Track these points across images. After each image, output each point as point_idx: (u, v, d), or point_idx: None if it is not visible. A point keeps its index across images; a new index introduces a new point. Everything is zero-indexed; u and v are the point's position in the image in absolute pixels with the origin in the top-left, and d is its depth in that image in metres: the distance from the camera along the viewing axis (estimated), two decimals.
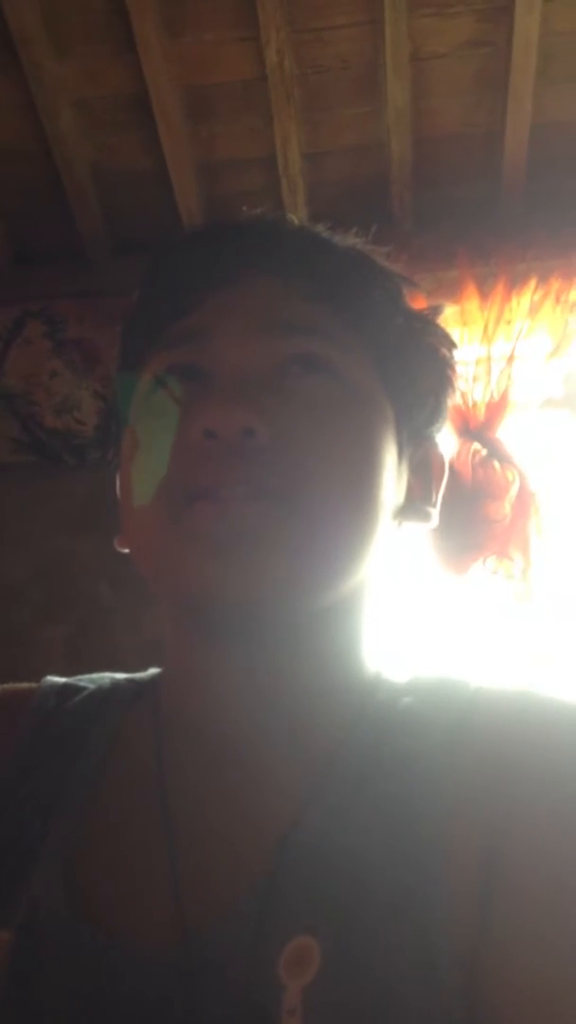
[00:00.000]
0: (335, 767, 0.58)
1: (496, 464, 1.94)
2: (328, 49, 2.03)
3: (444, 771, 0.56)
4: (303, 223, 0.67)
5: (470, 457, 1.95)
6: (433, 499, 0.68)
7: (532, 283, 2.10)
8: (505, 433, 2.01)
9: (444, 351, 0.69)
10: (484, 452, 1.95)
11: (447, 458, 0.70)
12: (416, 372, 0.67)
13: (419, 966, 0.49)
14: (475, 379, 2.03)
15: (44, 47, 1.99)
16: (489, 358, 2.07)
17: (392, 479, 0.63)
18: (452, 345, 0.70)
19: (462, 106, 2.13)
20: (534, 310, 2.10)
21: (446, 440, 1.97)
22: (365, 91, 2.10)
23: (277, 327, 0.61)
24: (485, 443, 1.96)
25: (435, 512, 0.68)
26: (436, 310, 0.70)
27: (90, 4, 1.96)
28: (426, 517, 0.68)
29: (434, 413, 0.69)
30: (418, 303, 0.69)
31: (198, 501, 0.56)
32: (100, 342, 2.29)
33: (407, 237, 2.16)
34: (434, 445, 0.69)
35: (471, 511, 1.90)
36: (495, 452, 1.96)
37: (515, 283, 2.12)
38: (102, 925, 0.54)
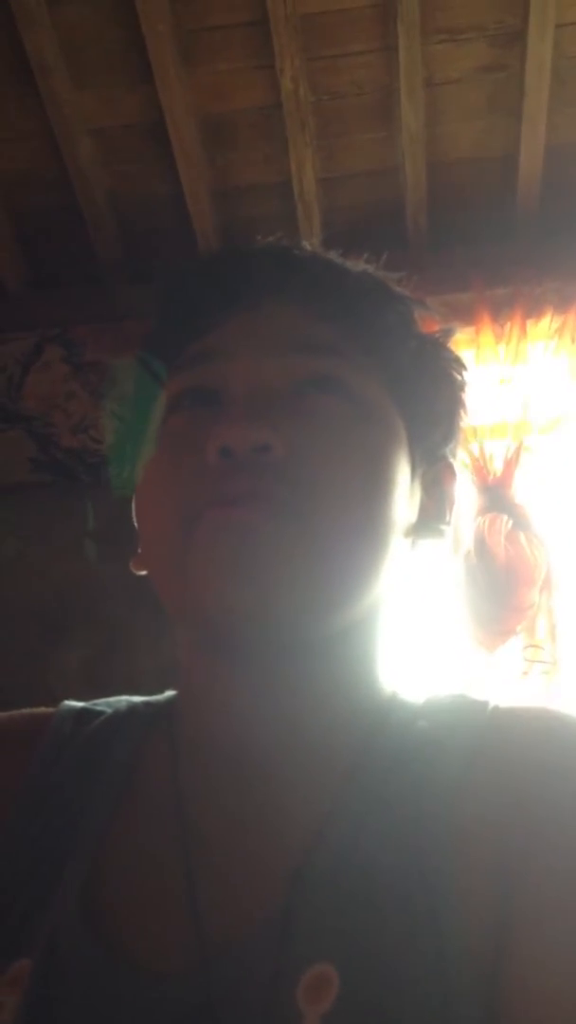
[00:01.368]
0: (350, 792, 0.58)
1: (523, 537, 1.96)
2: (342, 76, 2.05)
3: (459, 795, 0.56)
4: (317, 249, 0.68)
5: (498, 531, 1.97)
6: (446, 517, 0.68)
7: (549, 311, 2.11)
8: (522, 481, 2.03)
9: (456, 373, 0.69)
10: (510, 523, 1.97)
11: (459, 480, 0.71)
12: (429, 393, 0.67)
13: (437, 992, 0.49)
14: (493, 430, 2.05)
15: (62, 77, 2.02)
16: (504, 383, 2.08)
17: (405, 497, 0.63)
18: (463, 367, 0.70)
19: (476, 130, 2.15)
20: (552, 336, 2.10)
21: (466, 494, 2.00)
22: (379, 117, 2.12)
23: (292, 348, 0.62)
24: (507, 509, 1.98)
25: (448, 530, 0.68)
26: (448, 333, 0.71)
27: (107, 35, 1.99)
28: (439, 535, 0.68)
29: (447, 434, 0.69)
30: (430, 326, 0.70)
31: (208, 509, 0.57)
32: (117, 365, 2.31)
33: (422, 261, 2.17)
34: (447, 464, 0.69)
35: (503, 595, 1.92)
36: (520, 522, 1.97)
37: (532, 308, 2.12)
38: (121, 951, 0.54)
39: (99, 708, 0.70)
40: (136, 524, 0.66)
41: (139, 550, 0.66)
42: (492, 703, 0.62)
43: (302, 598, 0.57)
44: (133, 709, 0.70)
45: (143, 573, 0.65)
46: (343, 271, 0.67)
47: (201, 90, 2.06)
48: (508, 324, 2.12)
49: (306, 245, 0.69)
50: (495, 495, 2.01)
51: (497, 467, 2.03)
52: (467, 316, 2.13)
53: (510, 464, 2.03)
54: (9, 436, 2.33)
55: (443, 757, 0.58)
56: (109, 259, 2.33)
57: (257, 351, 0.61)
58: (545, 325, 2.12)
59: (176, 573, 0.58)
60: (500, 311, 2.14)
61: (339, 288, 0.65)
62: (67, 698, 0.72)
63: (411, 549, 0.66)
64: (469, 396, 0.71)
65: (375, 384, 0.63)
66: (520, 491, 2.03)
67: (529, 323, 2.13)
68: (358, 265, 0.68)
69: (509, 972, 0.49)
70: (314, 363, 0.62)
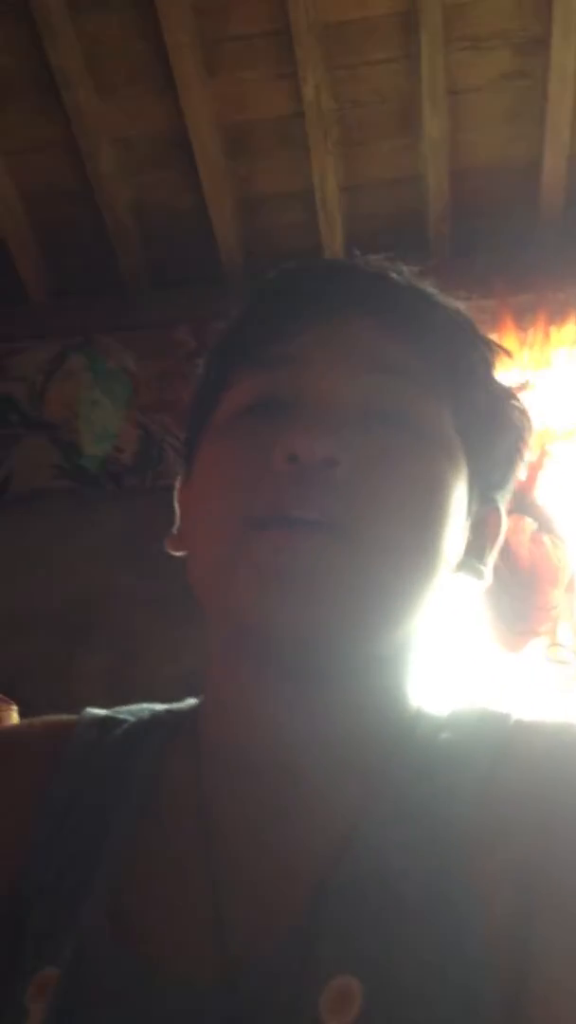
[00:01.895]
0: (374, 804, 0.58)
1: (547, 539, 1.96)
2: (364, 84, 2.05)
3: (481, 807, 0.55)
4: (414, 277, 0.68)
5: (523, 534, 1.96)
6: (486, 559, 0.68)
7: (573, 317, 2.10)
8: (545, 484, 2.02)
9: (522, 425, 0.70)
10: (535, 526, 1.97)
11: (503, 526, 0.71)
12: (494, 437, 0.68)
13: (459, 1006, 0.49)
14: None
15: (86, 88, 2.04)
16: (528, 388, 2.07)
17: (458, 533, 0.63)
18: (530, 423, 0.71)
19: (499, 138, 2.14)
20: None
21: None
22: (402, 125, 2.12)
23: (371, 366, 0.62)
24: (531, 511, 1.98)
25: (487, 571, 0.69)
26: (522, 386, 0.71)
27: (130, 46, 2.00)
28: (479, 575, 0.68)
29: (503, 479, 0.70)
30: (505, 370, 0.70)
31: (267, 530, 0.57)
32: (140, 374, 2.32)
33: (444, 269, 2.16)
34: (496, 509, 0.70)
35: (527, 595, 1.92)
36: (544, 524, 1.97)
37: (555, 314, 2.12)
38: (148, 961, 0.54)
39: (122, 716, 0.70)
40: (179, 507, 0.66)
41: (175, 530, 0.66)
42: (515, 716, 0.61)
43: (347, 622, 0.57)
44: (156, 718, 0.69)
45: (178, 554, 0.65)
46: (434, 302, 0.67)
47: (223, 100, 2.07)
48: (531, 330, 2.11)
49: (405, 270, 0.69)
50: (519, 498, 2.01)
51: (521, 471, 2.03)
52: (490, 322, 2.12)
53: (534, 468, 2.02)
54: (32, 443, 2.35)
55: (466, 768, 0.58)
56: (131, 268, 2.34)
57: (336, 364, 0.61)
58: (568, 331, 2.11)
59: (225, 578, 0.58)
60: (523, 317, 2.13)
61: (427, 318, 0.65)
62: (88, 704, 0.72)
63: (451, 582, 0.67)
64: (530, 449, 0.72)
65: (446, 417, 0.63)
66: (543, 494, 2.02)
67: (552, 329, 2.12)
68: (452, 301, 0.68)
69: (532, 989, 0.49)
70: (390, 384, 0.61)
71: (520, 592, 1.92)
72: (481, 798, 0.56)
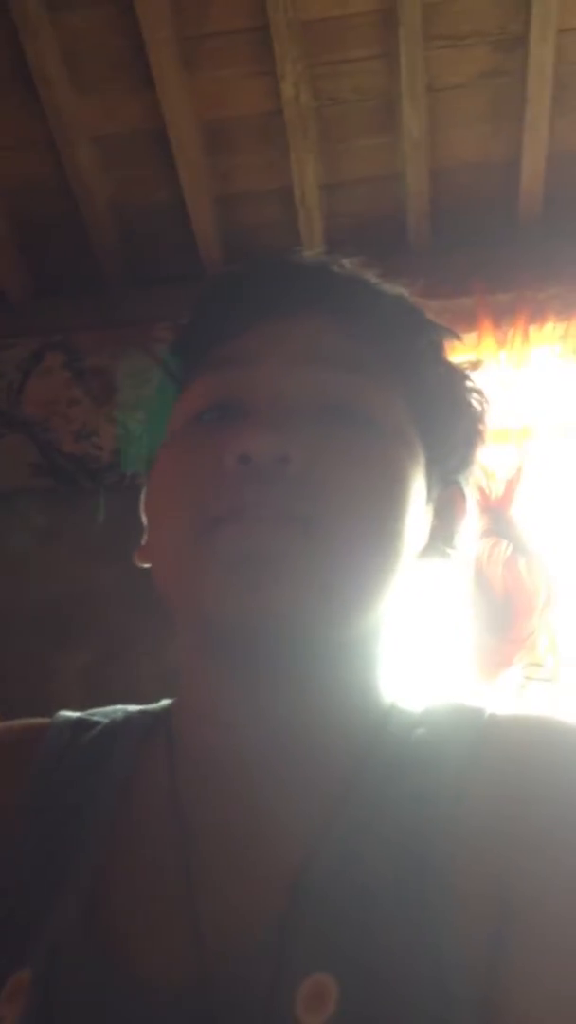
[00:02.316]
0: (348, 802, 0.58)
1: (522, 563, 1.96)
2: (344, 81, 2.05)
3: (457, 804, 0.56)
4: (356, 268, 0.69)
5: (497, 559, 1.97)
6: (454, 541, 0.69)
7: (551, 316, 2.11)
8: (523, 496, 2.03)
9: (478, 405, 0.70)
10: (509, 549, 1.97)
11: (470, 506, 0.71)
12: (450, 420, 0.68)
13: (433, 1002, 0.49)
14: (494, 435, 2.05)
15: (64, 85, 2.03)
16: (506, 389, 2.08)
17: (418, 519, 0.64)
18: (486, 400, 0.71)
19: (478, 136, 2.15)
20: (555, 342, 2.11)
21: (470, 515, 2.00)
22: (381, 122, 2.12)
23: (319, 361, 0.62)
24: (507, 532, 1.98)
25: (455, 553, 0.69)
26: (474, 364, 0.72)
27: (109, 42, 1.99)
28: (445, 556, 0.68)
29: (463, 461, 0.70)
30: (456, 353, 0.70)
31: (223, 523, 0.57)
32: (119, 371, 2.31)
33: (424, 267, 2.17)
34: (459, 490, 0.70)
35: (501, 626, 1.92)
36: (519, 546, 1.98)
37: (534, 314, 2.13)
38: (123, 963, 0.54)
39: (95, 718, 0.70)
40: (145, 518, 0.66)
41: (143, 542, 0.66)
42: (489, 711, 0.62)
43: (311, 609, 0.57)
44: (130, 718, 0.69)
45: (146, 566, 0.65)
46: (378, 292, 0.67)
47: (202, 96, 2.07)
48: (510, 329, 2.12)
49: (346, 263, 0.69)
50: (495, 516, 2.01)
51: (498, 487, 2.03)
52: (469, 321, 2.13)
53: (511, 484, 2.03)
54: (10, 441, 2.33)
55: (440, 765, 0.58)
56: (111, 266, 2.33)
57: (284, 360, 0.62)
58: (548, 331, 2.12)
59: (186, 577, 0.58)
60: (502, 317, 2.14)
61: (373, 308, 0.65)
62: (69, 704, 0.72)
63: (419, 569, 0.67)
64: (488, 427, 0.72)
65: (398, 405, 0.64)
66: (520, 509, 2.02)
67: (532, 328, 2.13)
68: (395, 288, 0.68)
69: (505, 985, 0.49)
70: (340, 377, 0.62)
71: (495, 624, 1.93)
72: (457, 795, 0.56)
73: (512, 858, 0.52)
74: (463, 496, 0.70)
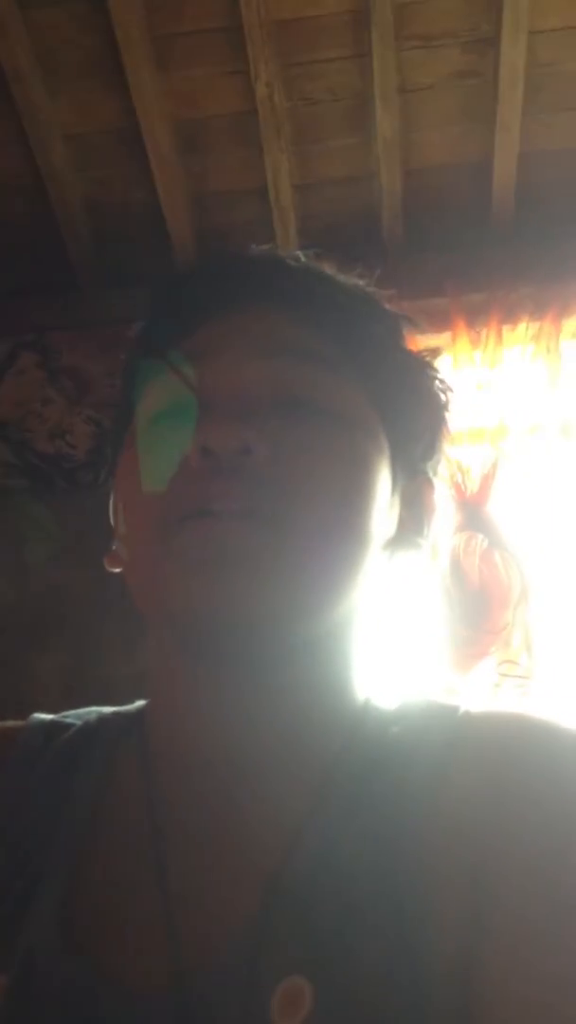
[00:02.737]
0: (324, 802, 0.58)
1: (497, 557, 1.97)
2: (317, 82, 2.05)
3: (432, 802, 0.56)
4: (309, 260, 0.68)
5: (473, 551, 1.98)
6: (424, 531, 0.69)
7: (524, 317, 2.12)
8: (498, 493, 2.04)
9: (440, 391, 0.70)
10: (485, 542, 1.98)
11: (439, 495, 0.71)
12: (412, 408, 0.68)
13: (412, 1003, 0.49)
14: (469, 435, 2.07)
15: (36, 83, 2.02)
16: (480, 389, 2.09)
17: (384, 509, 0.64)
18: (448, 387, 0.71)
19: (450, 137, 2.16)
20: (528, 342, 2.12)
21: (444, 510, 2.02)
22: (354, 123, 2.12)
23: (277, 351, 0.62)
24: (482, 527, 1.99)
25: (426, 544, 0.69)
26: (434, 352, 0.71)
27: (81, 41, 1.99)
28: (417, 548, 0.68)
29: (429, 449, 0.70)
30: (416, 343, 0.70)
31: (189, 521, 0.57)
32: (93, 370, 2.30)
33: (397, 267, 2.17)
34: (427, 479, 0.70)
35: (476, 617, 1.93)
36: (495, 540, 1.99)
37: (507, 313, 2.14)
38: (99, 967, 0.54)
39: (68, 721, 0.69)
40: (112, 522, 0.66)
41: (113, 547, 0.66)
42: (463, 708, 0.62)
43: (278, 603, 0.57)
44: (103, 720, 0.69)
45: (117, 571, 0.65)
46: (332, 282, 0.67)
47: (176, 96, 2.06)
48: (484, 330, 2.13)
49: (299, 255, 0.69)
50: (471, 512, 2.02)
51: (474, 483, 2.04)
52: (443, 322, 2.13)
53: (486, 480, 2.04)
54: None
55: (416, 763, 0.58)
56: (84, 265, 2.32)
57: (241, 354, 0.61)
58: (521, 331, 2.13)
59: (154, 576, 0.58)
60: (476, 317, 2.15)
61: (327, 298, 0.65)
62: (45, 704, 0.72)
63: (389, 561, 0.67)
64: (451, 414, 0.71)
65: (359, 393, 0.64)
66: (496, 505, 2.04)
67: (505, 329, 2.14)
68: (349, 278, 0.68)
69: (482, 981, 0.49)
70: (299, 367, 0.62)
71: (470, 615, 1.93)
72: (432, 794, 0.56)
73: (487, 851, 0.52)
74: (431, 486, 0.70)
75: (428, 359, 0.71)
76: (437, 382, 0.70)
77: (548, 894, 0.50)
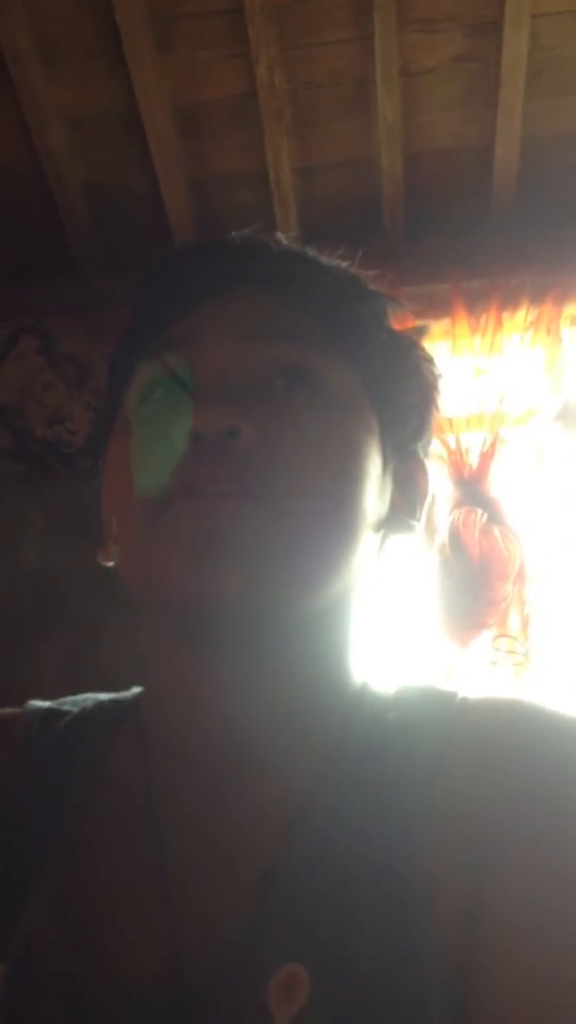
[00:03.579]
0: (322, 788, 0.58)
1: (497, 532, 1.97)
2: (318, 65, 2.04)
3: (430, 789, 0.56)
4: (292, 243, 0.68)
5: (473, 525, 1.98)
6: (417, 513, 0.69)
7: (525, 303, 2.11)
8: (497, 474, 2.04)
9: (427, 371, 0.70)
10: (484, 517, 1.98)
11: (431, 477, 0.71)
12: (400, 388, 0.67)
13: (409, 991, 0.49)
14: (468, 421, 2.07)
15: (35, 65, 2.00)
16: (480, 374, 2.09)
17: (375, 489, 0.63)
18: (435, 366, 0.70)
19: (452, 121, 2.14)
20: (527, 328, 2.11)
21: (442, 489, 2.01)
22: (356, 106, 2.11)
23: (263, 334, 0.62)
24: (482, 503, 2.00)
25: (418, 525, 0.69)
26: (420, 331, 0.71)
27: (81, 22, 1.97)
28: (409, 530, 0.68)
29: (418, 429, 0.69)
30: (403, 323, 0.70)
31: (178, 500, 0.56)
32: (92, 355, 2.29)
33: (398, 252, 2.17)
34: (419, 461, 0.70)
35: (477, 589, 1.93)
36: (494, 515, 1.99)
37: (508, 299, 2.13)
38: (97, 957, 0.54)
39: (66, 708, 0.69)
40: (104, 511, 0.66)
41: (106, 539, 0.66)
42: (461, 694, 0.62)
43: (268, 582, 0.57)
44: (100, 707, 0.69)
45: (111, 564, 0.65)
46: (315, 263, 0.67)
47: (176, 78, 2.05)
48: (484, 315, 2.12)
49: (282, 238, 0.68)
50: (470, 489, 2.02)
51: (473, 460, 2.04)
52: (443, 307, 2.13)
53: (486, 457, 2.04)
54: None
55: (414, 751, 0.58)
56: (83, 249, 2.31)
57: (227, 337, 0.61)
58: (521, 317, 2.13)
59: (144, 559, 0.58)
60: (476, 302, 2.14)
61: (312, 279, 0.65)
62: (45, 689, 0.72)
63: (382, 543, 0.66)
64: (441, 393, 0.71)
65: (347, 374, 0.64)
66: (495, 484, 2.04)
67: (505, 315, 2.13)
68: (332, 260, 0.68)
69: (480, 967, 0.49)
70: (284, 348, 0.62)
71: (470, 586, 1.93)
72: (431, 780, 0.56)
73: (485, 840, 0.53)
74: (423, 468, 0.70)
75: (415, 339, 0.70)
76: (424, 360, 0.70)
77: (548, 882, 0.51)
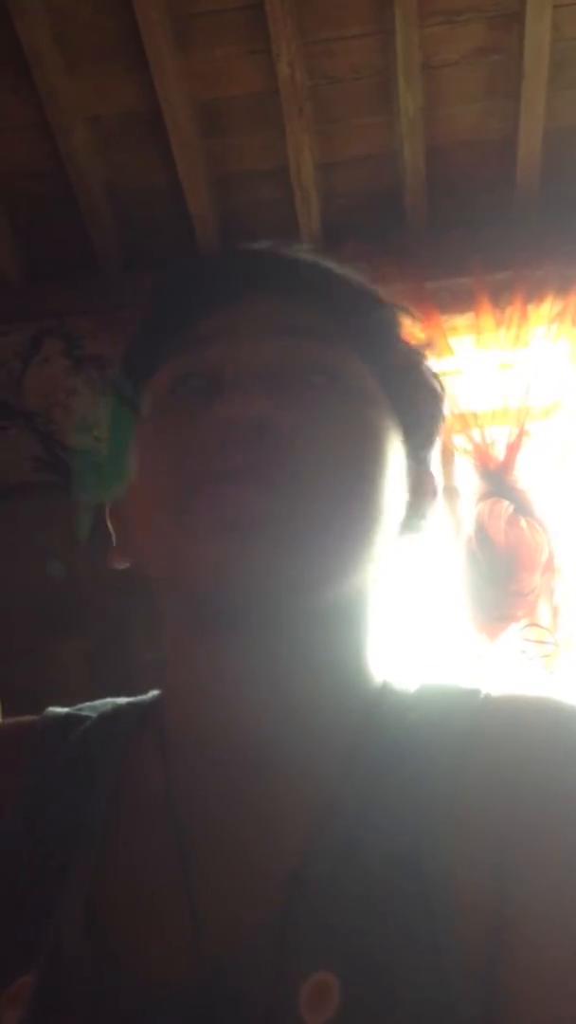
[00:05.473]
0: (345, 790, 0.57)
1: (523, 522, 1.96)
2: (339, 60, 2.03)
3: (455, 788, 0.55)
4: (311, 252, 0.69)
5: (499, 516, 1.97)
6: (427, 515, 0.69)
7: (550, 294, 2.10)
8: (523, 466, 2.03)
9: (436, 384, 0.71)
10: (511, 508, 1.97)
11: (440, 482, 0.72)
12: (415, 395, 0.69)
13: (438, 998, 0.48)
14: (493, 415, 2.06)
15: (56, 66, 2.01)
16: (505, 368, 2.07)
17: (398, 486, 0.64)
18: (442, 383, 0.72)
19: (474, 113, 2.13)
20: (553, 320, 2.10)
21: (468, 482, 2.00)
22: (377, 101, 2.10)
23: (290, 330, 0.62)
24: (508, 494, 1.99)
25: (425, 525, 0.69)
26: (428, 346, 0.73)
27: (101, 22, 1.97)
28: (418, 529, 0.68)
29: (429, 438, 0.70)
30: (411, 334, 0.71)
31: (206, 486, 0.56)
32: (117, 358, 2.29)
33: (421, 246, 2.16)
34: (428, 470, 0.70)
35: (504, 581, 1.92)
36: (521, 507, 1.98)
37: (532, 291, 2.12)
38: (124, 964, 0.53)
39: (84, 713, 0.69)
40: (112, 512, 0.67)
41: (116, 543, 0.66)
42: (484, 692, 0.61)
43: (295, 573, 0.56)
44: (119, 711, 0.69)
45: (124, 566, 0.65)
46: (335, 273, 0.68)
47: (196, 77, 2.05)
48: (508, 308, 2.11)
49: (301, 247, 0.70)
50: (496, 480, 2.01)
51: (499, 452, 2.03)
52: (467, 300, 2.12)
53: (512, 449, 2.03)
54: (10, 435, 2.32)
55: (437, 751, 0.57)
56: (106, 248, 2.32)
57: (253, 334, 0.62)
58: (546, 309, 2.11)
59: (169, 546, 0.58)
60: (500, 295, 2.13)
61: (334, 287, 0.66)
62: (70, 689, 0.72)
63: (399, 542, 0.66)
64: (447, 407, 0.73)
65: (367, 373, 0.64)
66: (522, 476, 2.03)
67: (530, 307, 2.12)
68: (350, 270, 0.69)
69: (506, 971, 0.49)
70: (315, 347, 0.62)
71: (497, 578, 1.93)
72: (454, 779, 0.56)
73: (510, 842, 0.52)
74: (432, 477, 0.71)
75: (423, 351, 0.72)
76: (433, 375, 0.71)
77: (572, 876, 0.50)
